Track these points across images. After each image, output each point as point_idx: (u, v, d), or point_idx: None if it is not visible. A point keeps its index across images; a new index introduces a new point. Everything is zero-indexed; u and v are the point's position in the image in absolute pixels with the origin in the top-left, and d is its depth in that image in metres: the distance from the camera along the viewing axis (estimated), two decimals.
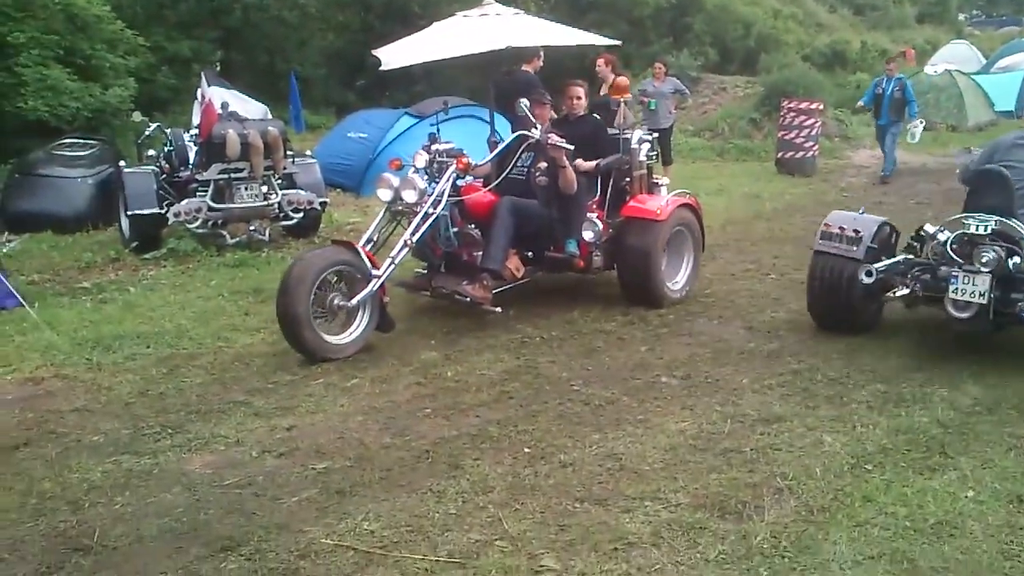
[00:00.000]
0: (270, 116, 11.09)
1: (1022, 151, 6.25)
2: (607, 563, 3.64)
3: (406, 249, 6.34)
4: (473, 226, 6.79)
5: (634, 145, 7.38)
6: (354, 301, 6.11)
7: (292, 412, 5.24)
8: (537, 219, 6.83)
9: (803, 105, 14.94)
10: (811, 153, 14.85)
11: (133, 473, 4.51)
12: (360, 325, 6.22)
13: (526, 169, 7.04)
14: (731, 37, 24.58)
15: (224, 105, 9.59)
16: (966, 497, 4.17)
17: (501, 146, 7.16)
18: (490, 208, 6.73)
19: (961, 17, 45.03)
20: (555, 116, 7.58)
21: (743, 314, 7.14)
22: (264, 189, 9.20)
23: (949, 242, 5.91)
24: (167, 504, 4.18)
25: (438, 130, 6.93)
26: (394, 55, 8.16)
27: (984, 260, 5.67)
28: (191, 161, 9.44)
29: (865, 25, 33.18)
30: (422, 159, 6.62)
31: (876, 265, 6.17)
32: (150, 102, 15.45)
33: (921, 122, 14.24)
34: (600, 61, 10.89)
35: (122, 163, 9.66)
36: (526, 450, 4.71)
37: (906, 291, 6.14)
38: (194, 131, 9.76)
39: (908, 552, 3.71)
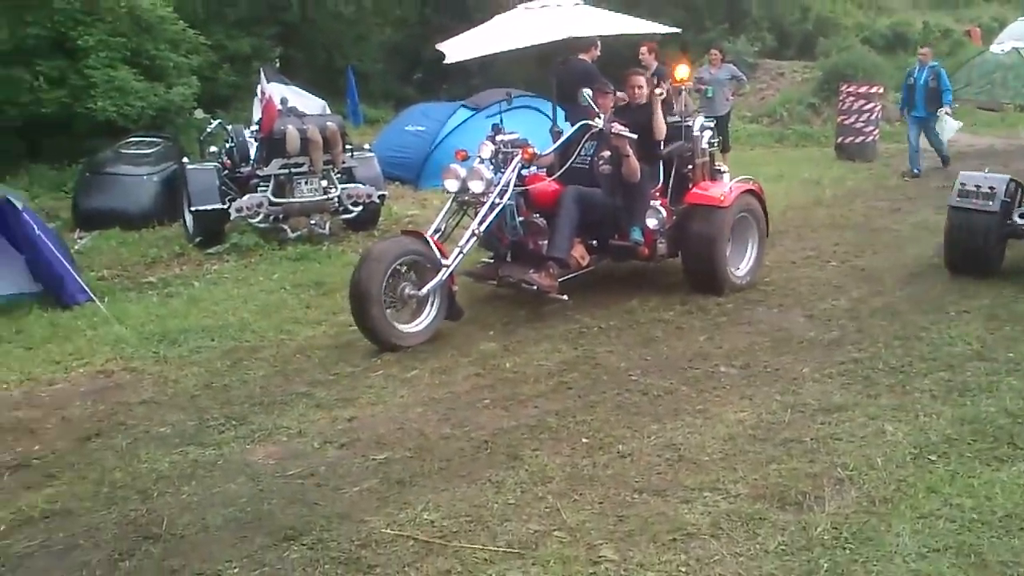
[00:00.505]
0: (329, 111, 11.23)
1: None
2: (666, 554, 3.64)
3: (474, 239, 6.46)
4: (538, 215, 6.86)
5: (696, 132, 7.40)
6: (424, 290, 6.23)
7: (353, 403, 5.32)
8: (601, 207, 6.88)
9: (862, 89, 14.69)
10: (871, 138, 14.61)
11: (199, 464, 4.62)
12: (430, 314, 6.34)
13: (589, 158, 7.10)
14: (788, 21, 24.19)
15: (284, 101, 9.74)
16: None
17: (565, 136, 7.22)
18: (555, 197, 6.80)
19: None
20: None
21: (803, 302, 7.06)
22: (324, 183, 9.33)
23: None
24: (231, 494, 4.28)
25: (501, 120, 7.01)
26: (457, 48, 8.23)
27: None
28: (252, 157, 9.59)
29: (928, 4, 32.41)
30: (488, 149, 6.74)
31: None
32: (212, 99, 15.72)
33: (956, 120, 13.46)
34: (644, 49, 10.81)
35: (185, 160, 9.86)
36: (584, 440, 4.73)
37: None
38: (255, 127, 9.91)
39: (976, 545, 3.65)
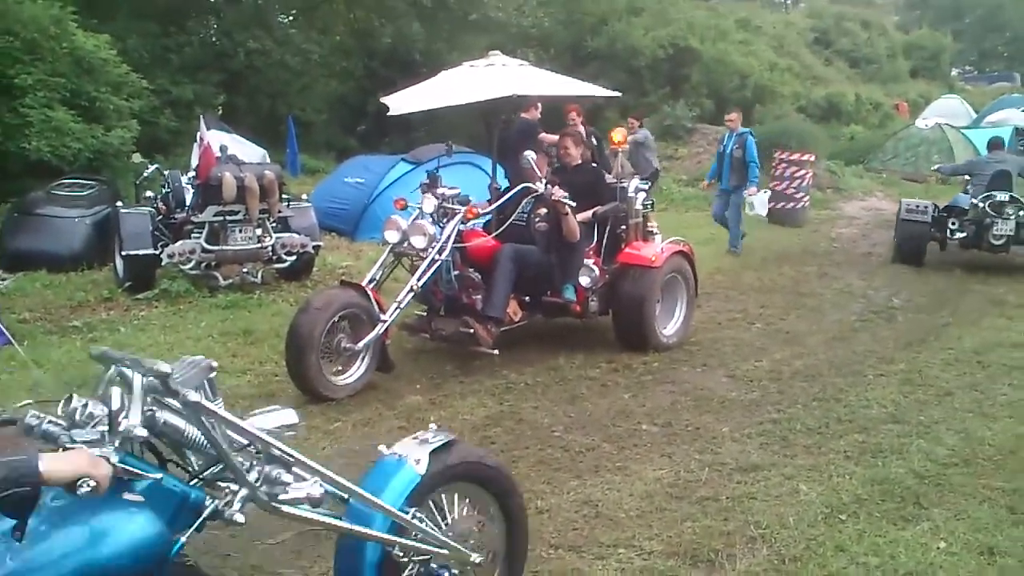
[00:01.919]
0: (268, 160, 11.23)
1: (988, 165, 11.66)
2: None
3: (412, 294, 6.49)
4: (473, 270, 6.89)
5: (631, 193, 7.58)
6: (361, 344, 6.25)
7: None
8: (536, 265, 6.96)
9: (795, 156, 15.09)
10: (802, 204, 14.98)
11: None
12: (361, 367, 6.35)
13: (525, 215, 7.19)
14: (728, 88, 24.82)
15: (223, 148, 9.72)
16: (938, 548, 4.20)
17: (505, 196, 7.28)
18: (491, 254, 6.85)
19: (954, 72, 45.57)
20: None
21: (727, 363, 7.20)
22: (258, 232, 9.29)
23: (987, 205, 10.80)
24: None
25: (438, 170, 7.10)
26: (402, 102, 8.34)
27: (1010, 212, 10.78)
28: (187, 203, 9.54)
29: (861, 78, 33.56)
30: (430, 203, 6.79)
31: (952, 219, 11.26)
32: (152, 144, 15.60)
33: (764, 192, 12.76)
34: (573, 112, 10.99)
35: (119, 204, 9.77)
36: None
37: (963, 235, 11.12)
38: (192, 173, 9.87)
39: None
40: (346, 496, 2.80)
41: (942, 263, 11.34)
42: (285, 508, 2.55)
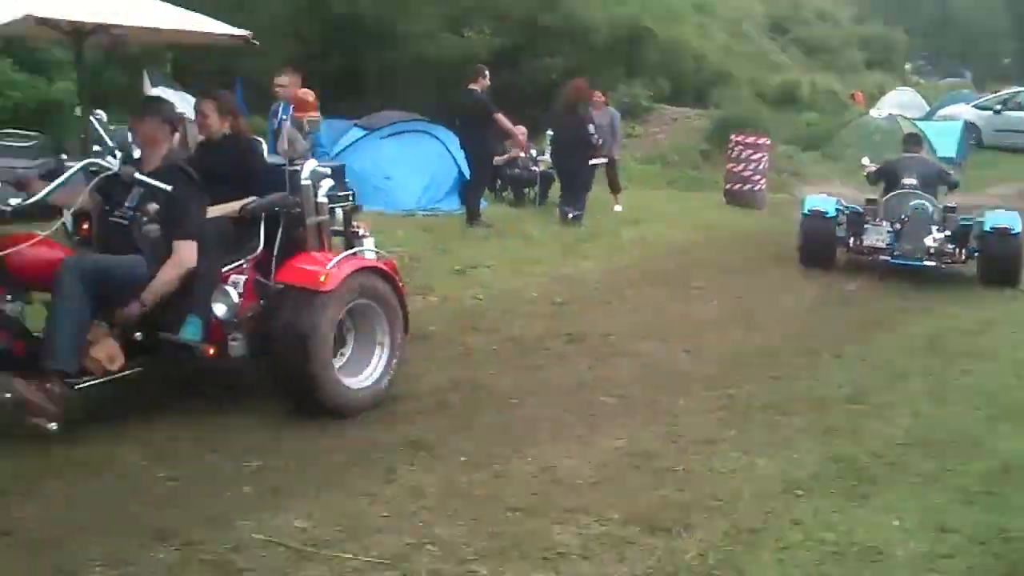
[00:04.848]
0: None
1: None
2: (536, 571, 3.64)
3: None
4: (11, 299, 4.56)
5: (305, 180, 5.36)
6: None
7: None
8: (135, 286, 4.72)
9: (751, 140, 15.19)
10: (758, 186, 15.07)
11: None
12: None
13: (131, 211, 4.93)
14: (684, 70, 24.87)
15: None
16: (892, 525, 4.23)
17: (59, 179, 4.70)
18: (52, 270, 4.49)
19: (908, 67, 46.25)
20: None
21: (686, 339, 7.18)
22: None
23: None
24: None
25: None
26: None
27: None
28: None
29: (816, 66, 33.81)
30: None
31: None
32: (94, 98, 15.18)
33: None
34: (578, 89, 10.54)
35: (63, 156, 9.49)
36: (462, 459, 4.71)
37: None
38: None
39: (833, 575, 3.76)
40: None
41: None
42: None
